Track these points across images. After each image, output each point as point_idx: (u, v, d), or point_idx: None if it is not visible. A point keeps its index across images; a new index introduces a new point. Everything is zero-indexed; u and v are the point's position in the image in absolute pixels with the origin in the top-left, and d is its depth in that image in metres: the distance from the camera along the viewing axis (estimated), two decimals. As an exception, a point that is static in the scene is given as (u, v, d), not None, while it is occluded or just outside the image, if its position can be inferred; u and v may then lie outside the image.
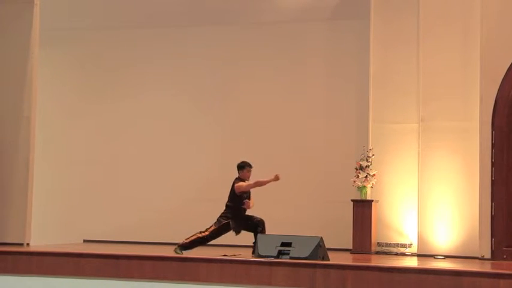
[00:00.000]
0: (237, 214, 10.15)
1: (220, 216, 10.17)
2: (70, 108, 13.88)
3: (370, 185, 11.42)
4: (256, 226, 10.10)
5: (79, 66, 13.96)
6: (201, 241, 10.06)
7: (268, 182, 10.09)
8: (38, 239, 11.75)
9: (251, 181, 10.22)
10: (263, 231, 10.06)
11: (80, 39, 13.89)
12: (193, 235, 10.05)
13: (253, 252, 9.72)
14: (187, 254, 9.77)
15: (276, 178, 10.03)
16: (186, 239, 10.06)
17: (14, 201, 11.33)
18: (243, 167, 10.32)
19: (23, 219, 11.27)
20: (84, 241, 13.17)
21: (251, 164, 10.34)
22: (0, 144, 11.42)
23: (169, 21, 13.47)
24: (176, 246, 9.99)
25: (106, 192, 13.46)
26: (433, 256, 10.76)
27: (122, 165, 13.56)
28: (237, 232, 10.18)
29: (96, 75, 13.87)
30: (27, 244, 11.18)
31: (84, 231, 13.22)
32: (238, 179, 10.26)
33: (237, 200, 10.18)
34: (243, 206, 10.15)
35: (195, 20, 13.39)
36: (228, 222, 10.09)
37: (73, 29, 13.81)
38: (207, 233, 10.05)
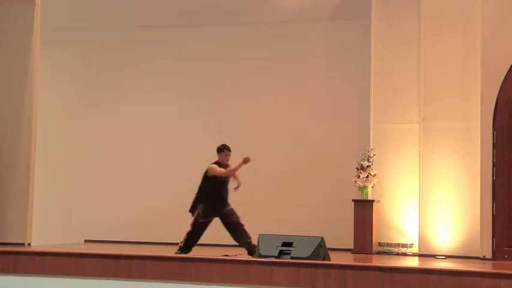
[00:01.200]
0: (208, 198, 9.91)
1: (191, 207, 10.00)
2: (71, 108, 13.88)
3: (371, 185, 11.41)
4: (236, 224, 9.90)
5: (80, 66, 13.96)
6: (191, 237, 9.93)
7: (238, 168, 9.84)
8: (39, 239, 11.76)
9: (224, 169, 9.97)
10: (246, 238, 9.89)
11: (81, 39, 13.88)
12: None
13: (251, 254, 9.65)
14: (188, 254, 9.77)
15: (245, 161, 9.76)
16: (180, 242, 10.03)
17: (15, 201, 11.33)
18: (222, 150, 10.13)
19: (24, 219, 11.27)
20: (85, 241, 13.17)
21: (229, 147, 10.16)
22: (1, 144, 11.42)
23: (169, 21, 13.46)
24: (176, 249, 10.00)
25: (107, 192, 13.46)
26: (434, 256, 10.75)
27: (123, 165, 13.55)
28: (206, 218, 9.83)
29: (97, 75, 13.86)
30: (29, 244, 11.18)
31: (85, 231, 13.22)
32: (215, 163, 10.08)
33: (209, 185, 9.94)
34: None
35: (195, 20, 13.39)
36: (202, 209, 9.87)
37: (74, 29, 13.81)
38: (190, 227, 9.94)
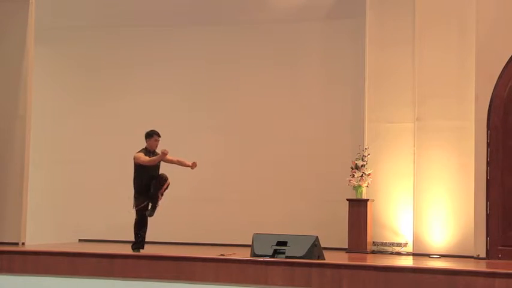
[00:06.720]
0: (137, 186, 9.90)
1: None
2: (65, 107, 13.83)
3: (366, 184, 11.42)
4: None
5: (74, 65, 13.90)
6: (136, 227, 9.91)
7: (158, 159, 9.75)
8: (34, 239, 11.74)
9: (149, 158, 9.87)
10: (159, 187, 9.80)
11: (75, 38, 13.82)
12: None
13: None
14: (182, 253, 9.76)
15: (163, 154, 9.72)
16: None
17: (9, 200, 11.32)
18: (151, 135, 10.02)
19: (19, 218, 11.26)
20: (80, 240, 13.15)
21: (159, 133, 10.03)
22: (-5, 143, 11.42)
23: (165, 20, 13.43)
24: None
25: (102, 191, 13.42)
26: (428, 255, 10.76)
27: (117, 164, 13.48)
28: (138, 206, 9.82)
29: (91, 74, 13.82)
30: (23, 243, 11.16)
31: (79, 230, 13.19)
32: (143, 150, 9.95)
33: (137, 172, 9.91)
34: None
35: (191, 20, 13.36)
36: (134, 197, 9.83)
37: (68, 28, 13.75)
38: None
